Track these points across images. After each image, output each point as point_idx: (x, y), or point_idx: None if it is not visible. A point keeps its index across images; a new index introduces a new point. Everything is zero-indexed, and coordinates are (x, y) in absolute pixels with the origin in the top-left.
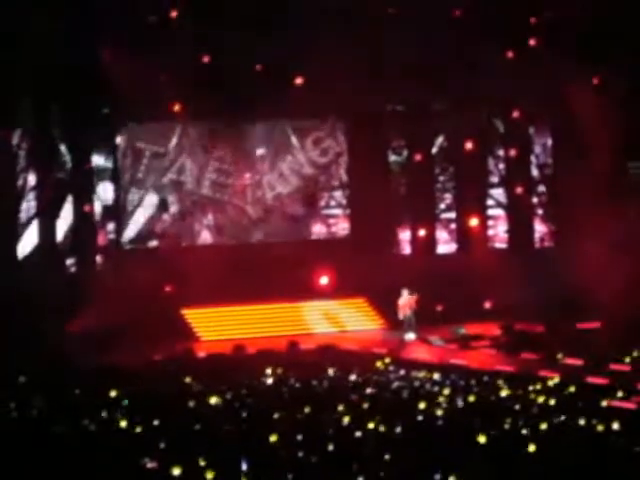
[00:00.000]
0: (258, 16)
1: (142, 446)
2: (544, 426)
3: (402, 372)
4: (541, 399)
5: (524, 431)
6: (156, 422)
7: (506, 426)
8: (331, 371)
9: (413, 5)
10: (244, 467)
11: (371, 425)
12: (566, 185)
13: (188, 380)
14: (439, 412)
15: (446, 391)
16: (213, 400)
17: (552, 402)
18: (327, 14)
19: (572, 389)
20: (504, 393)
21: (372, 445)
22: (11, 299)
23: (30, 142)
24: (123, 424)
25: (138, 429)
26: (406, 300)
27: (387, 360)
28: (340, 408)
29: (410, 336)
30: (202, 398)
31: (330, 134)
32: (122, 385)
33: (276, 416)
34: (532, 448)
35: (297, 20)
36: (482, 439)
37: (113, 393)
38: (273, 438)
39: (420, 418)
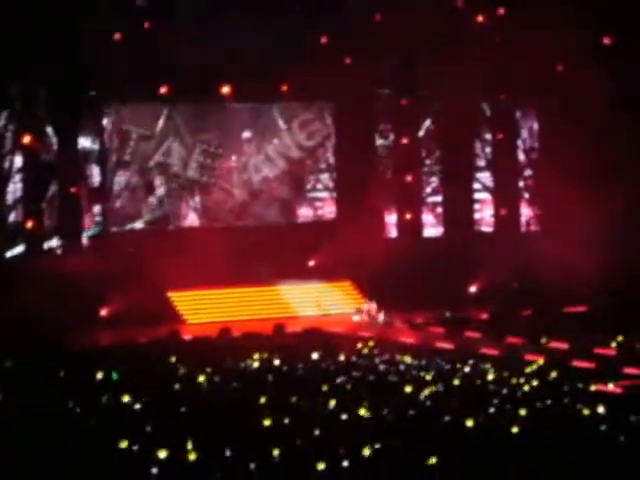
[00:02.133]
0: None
1: (127, 428)
2: (528, 410)
3: (387, 355)
4: (525, 383)
5: (508, 414)
6: (140, 405)
7: (491, 409)
8: (316, 354)
9: None
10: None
11: (358, 409)
12: (552, 169)
13: (174, 362)
14: (424, 395)
15: (431, 374)
16: (199, 382)
17: (535, 385)
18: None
19: (556, 373)
20: (490, 377)
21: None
22: None
23: (16, 124)
24: (109, 405)
25: (123, 410)
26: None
27: (372, 343)
28: (325, 390)
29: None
30: (188, 381)
31: (317, 117)
32: (108, 367)
33: (262, 400)
34: (515, 429)
35: (284, 4)
36: (469, 423)
37: (99, 375)
38: (263, 421)
39: (405, 401)
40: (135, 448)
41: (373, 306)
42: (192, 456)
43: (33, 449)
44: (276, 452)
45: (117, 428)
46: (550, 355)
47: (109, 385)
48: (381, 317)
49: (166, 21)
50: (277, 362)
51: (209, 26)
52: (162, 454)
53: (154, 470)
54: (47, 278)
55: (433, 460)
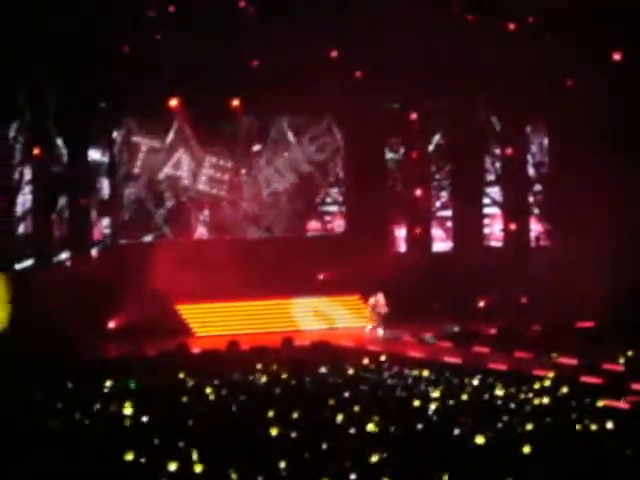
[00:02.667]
0: (258, 11)
1: (135, 440)
2: (538, 426)
3: (396, 369)
4: (535, 399)
5: (519, 430)
6: (148, 417)
7: (500, 425)
8: (325, 368)
9: (411, 5)
10: None
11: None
12: (562, 184)
13: (182, 376)
14: (433, 410)
15: (439, 389)
16: (207, 396)
17: (546, 401)
18: (324, 12)
19: (566, 388)
20: (498, 392)
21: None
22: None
23: (26, 136)
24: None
25: (129, 423)
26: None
27: (382, 357)
28: (332, 404)
29: (380, 332)
30: (196, 394)
31: (327, 131)
32: (118, 379)
33: (270, 414)
34: (527, 449)
35: (295, 17)
36: (479, 440)
37: (108, 387)
38: (270, 432)
39: (414, 416)
40: (143, 461)
41: (380, 299)
42: (199, 469)
43: (40, 460)
44: (283, 465)
45: (124, 440)
46: (559, 370)
47: (117, 397)
48: (380, 331)
49: (177, 33)
50: (285, 375)
51: (221, 39)
52: (172, 467)
53: None
54: (56, 290)
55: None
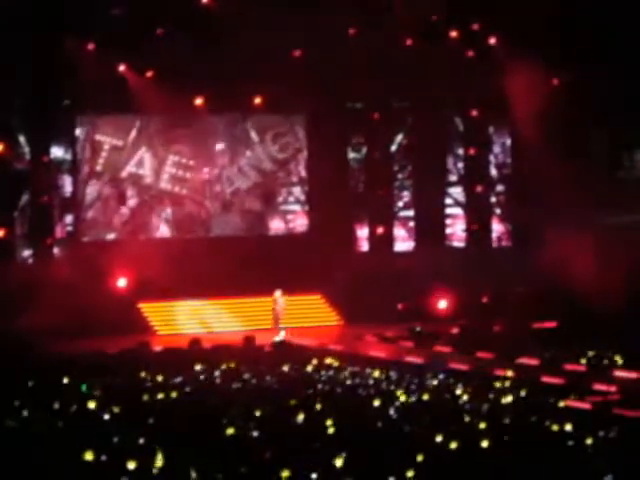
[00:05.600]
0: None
1: (94, 440)
2: (498, 425)
3: (356, 369)
4: (496, 398)
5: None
6: (109, 415)
7: (460, 425)
8: (286, 367)
9: (373, 7)
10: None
11: (325, 423)
12: (524, 185)
13: (143, 374)
14: (392, 410)
15: (400, 389)
16: (167, 394)
17: (506, 401)
18: (288, 11)
19: (526, 389)
20: (459, 392)
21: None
22: None
23: None
24: (76, 416)
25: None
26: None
27: (341, 357)
28: (293, 404)
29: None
30: (156, 392)
31: (290, 130)
32: (76, 377)
33: (231, 412)
34: (485, 444)
35: (259, 15)
36: (438, 438)
37: (66, 384)
38: (229, 432)
39: (373, 416)
40: (103, 459)
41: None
42: (160, 467)
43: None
44: (243, 463)
45: (85, 438)
46: (520, 371)
47: (77, 394)
48: (282, 334)
49: (142, 31)
50: (246, 374)
51: (185, 38)
52: (131, 465)
53: None
54: (17, 287)
55: (410, 474)
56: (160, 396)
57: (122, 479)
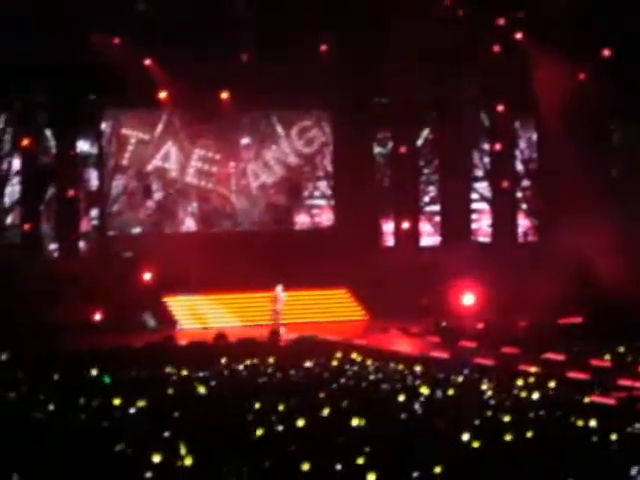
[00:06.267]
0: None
1: (120, 431)
2: (523, 420)
3: (380, 364)
4: (522, 394)
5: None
6: (135, 409)
7: (485, 420)
8: (310, 361)
9: (400, 4)
10: None
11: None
12: (550, 180)
13: (168, 368)
14: (418, 405)
15: (426, 384)
16: (193, 388)
17: (533, 397)
18: (314, 5)
19: (552, 384)
20: (484, 387)
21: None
22: None
23: (15, 126)
24: (103, 408)
25: (117, 414)
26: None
27: (367, 351)
28: (320, 398)
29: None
30: (182, 386)
31: (316, 124)
32: (102, 371)
33: (256, 406)
34: (509, 439)
35: (285, 12)
36: (463, 433)
37: (92, 378)
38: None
39: (399, 411)
40: (129, 451)
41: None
42: (186, 461)
43: (27, 450)
44: (267, 458)
45: (111, 431)
46: (545, 366)
47: (103, 388)
48: (282, 330)
49: (167, 26)
50: (271, 369)
51: (209, 32)
52: (156, 458)
53: (148, 474)
54: (43, 281)
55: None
56: (185, 390)
57: (147, 473)
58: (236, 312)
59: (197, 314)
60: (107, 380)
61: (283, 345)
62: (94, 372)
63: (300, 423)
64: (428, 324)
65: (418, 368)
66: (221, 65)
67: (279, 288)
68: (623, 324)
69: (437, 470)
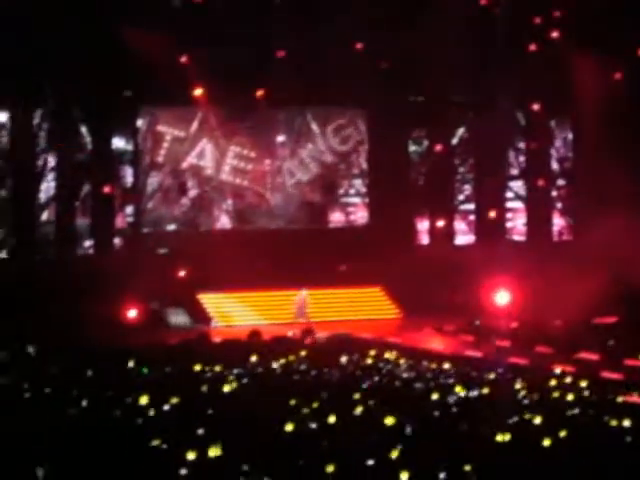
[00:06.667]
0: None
1: (154, 428)
2: (558, 418)
3: (414, 362)
4: (556, 393)
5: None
6: (168, 406)
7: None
8: (344, 359)
9: (436, 3)
10: None
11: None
12: (586, 179)
13: (202, 365)
14: (452, 404)
15: (459, 383)
16: (227, 386)
17: (567, 397)
18: (353, 5)
19: (586, 384)
20: (518, 386)
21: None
22: (29, 280)
23: (50, 123)
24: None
25: (151, 412)
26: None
27: (401, 349)
28: (355, 397)
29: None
30: (216, 383)
31: (351, 122)
32: (138, 367)
33: (291, 403)
34: (547, 442)
35: (320, 10)
36: (500, 438)
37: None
38: (288, 427)
39: (433, 410)
40: (163, 448)
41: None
42: (218, 457)
43: (60, 446)
44: (300, 455)
45: (146, 427)
46: (579, 366)
47: (138, 384)
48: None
49: (202, 23)
50: (304, 366)
51: (245, 29)
52: (191, 455)
53: (183, 471)
54: (79, 277)
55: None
56: (219, 387)
57: (181, 470)
58: (269, 310)
59: (227, 312)
60: (145, 371)
61: (316, 343)
62: (130, 365)
63: (331, 420)
64: (462, 323)
65: (451, 366)
66: (256, 63)
67: (304, 291)
68: None
69: (467, 469)
